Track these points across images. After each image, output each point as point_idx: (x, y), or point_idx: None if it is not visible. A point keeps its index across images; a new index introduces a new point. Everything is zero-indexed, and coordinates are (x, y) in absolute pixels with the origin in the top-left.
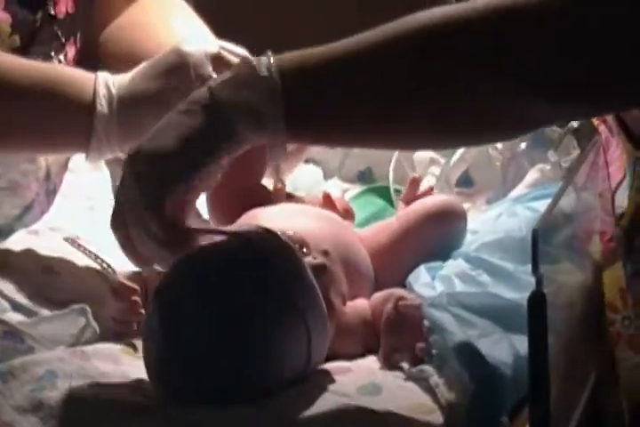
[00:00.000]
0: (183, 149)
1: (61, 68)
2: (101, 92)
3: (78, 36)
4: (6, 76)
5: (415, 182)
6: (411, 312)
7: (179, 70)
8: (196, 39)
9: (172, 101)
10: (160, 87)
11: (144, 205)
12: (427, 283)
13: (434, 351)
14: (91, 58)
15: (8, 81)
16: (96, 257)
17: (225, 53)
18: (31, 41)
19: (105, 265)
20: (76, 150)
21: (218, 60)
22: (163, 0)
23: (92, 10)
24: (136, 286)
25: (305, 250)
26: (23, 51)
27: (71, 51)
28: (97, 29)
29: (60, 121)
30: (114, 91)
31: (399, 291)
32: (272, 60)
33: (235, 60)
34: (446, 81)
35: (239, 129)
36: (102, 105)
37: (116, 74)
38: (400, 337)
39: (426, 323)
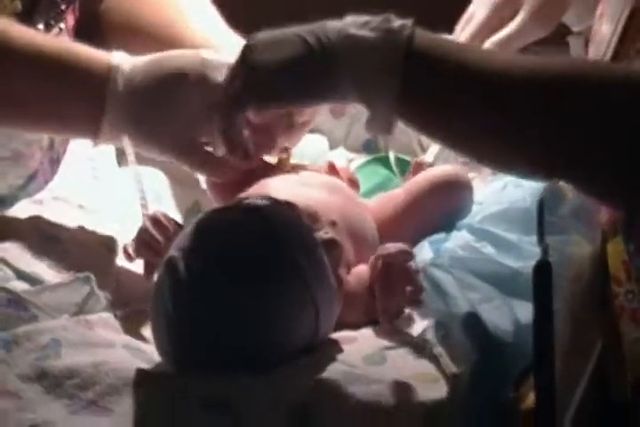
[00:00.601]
0: (284, 75)
1: (77, 46)
2: (117, 78)
3: (77, 4)
4: (22, 48)
5: (419, 167)
6: (395, 261)
7: (200, 84)
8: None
9: (187, 107)
10: (174, 95)
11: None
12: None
13: (436, 320)
14: (90, 28)
15: (25, 53)
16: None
17: None
18: (33, 8)
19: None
20: (85, 132)
21: None
22: None
23: None
24: (170, 229)
25: (315, 223)
26: (25, 17)
27: (70, 19)
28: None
29: (74, 100)
30: (126, 78)
31: (385, 246)
32: (411, 34)
33: None
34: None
35: (342, 80)
36: (117, 86)
37: (116, 44)
38: (391, 285)
39: (421, 278)
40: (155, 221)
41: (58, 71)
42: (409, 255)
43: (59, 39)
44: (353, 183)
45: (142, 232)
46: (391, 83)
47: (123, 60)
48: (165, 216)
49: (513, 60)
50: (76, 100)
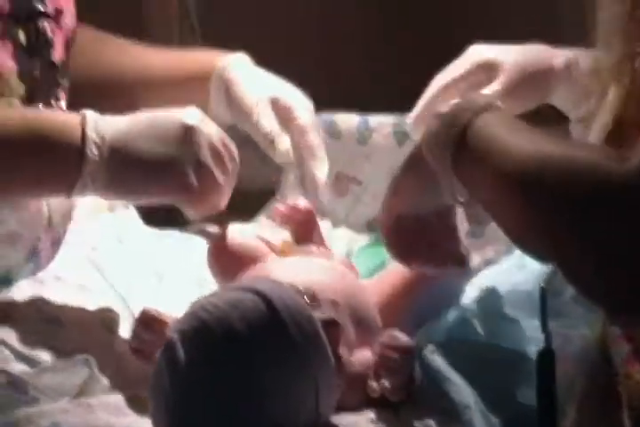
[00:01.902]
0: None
1: (45, 113)
2: (92, 137)
3: (67, 80)
4: None
5: None
6: (393, 356)
7: (184, 145)
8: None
9: (168, 170)
10: (160, 155)
11: None
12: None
13: (438, 407)
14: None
15: None
16: None
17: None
18: (34, 89)
19: None
20: (55, 194)
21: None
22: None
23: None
24: (166, 320)
25: (315, 304)
26: (28, 99)
27: (62, 95)
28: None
29: (46, 170)
30: (106, 138)
31: (387, 333)
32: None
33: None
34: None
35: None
36: (93, 152)
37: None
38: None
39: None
40: (146, 321)
41: (32, 147)
42: (404, 351)
43: (25, 110)
44: (309, 224)
45: (134, 338)
46: (445, 158)
47: (98, 124)
48: (157, 311)
49: (539, 150)
50: (51, 173)
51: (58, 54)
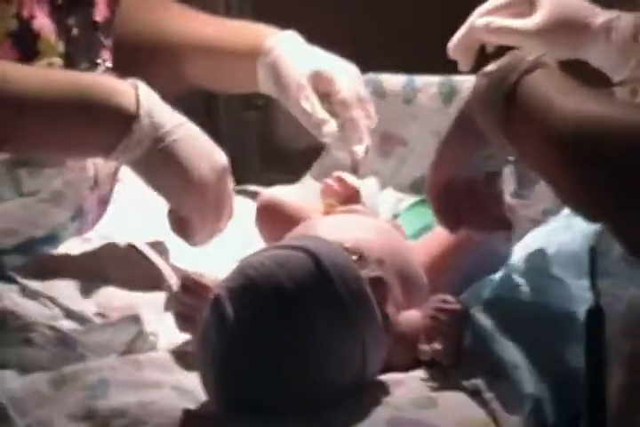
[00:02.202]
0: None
1: (93, 75)
2: (145, 108)
3: (111, 40)
4: (39, 91)
5: None
6: (444, 318)
7: (221, 179)
8: None
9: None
10: (199, 171)
11: None
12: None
13: (485, 364)
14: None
15: (42, 96)
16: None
17: None
18: (74, 48)
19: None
20: (94, 155)
21: None
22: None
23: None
24: (209, 284)
25: (362, 262)
26: (68, 59)
27: (107, 55)
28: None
29: (91, 130)
30: (158, 118)
31: (438, 297)
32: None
33: None
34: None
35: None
36: (145, 120)
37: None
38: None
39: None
40: (188, 286)
41: (80, 111)
42: (455, 313)
43: (76, 74)
44: (353, 197)
45: (176, 303)
46: (494, 116)
47: (150, 100)
48: (198, 275)
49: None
50: (98, 135)
51: (100, 13)
